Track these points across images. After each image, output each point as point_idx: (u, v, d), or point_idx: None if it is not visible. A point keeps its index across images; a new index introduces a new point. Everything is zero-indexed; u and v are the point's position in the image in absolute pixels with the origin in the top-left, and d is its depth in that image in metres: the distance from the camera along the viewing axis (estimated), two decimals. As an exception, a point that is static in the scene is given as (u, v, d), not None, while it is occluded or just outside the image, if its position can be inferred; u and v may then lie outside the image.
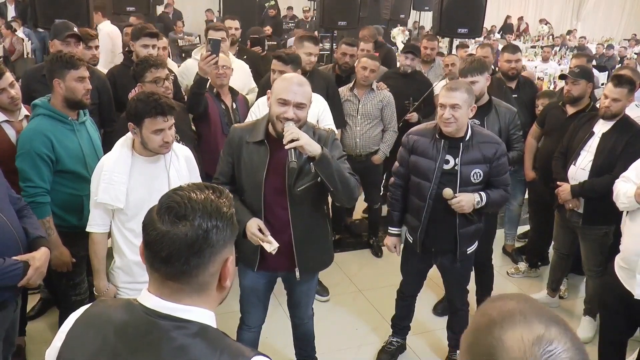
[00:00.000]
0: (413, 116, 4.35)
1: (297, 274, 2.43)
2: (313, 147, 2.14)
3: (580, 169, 3.23)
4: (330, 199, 2.50)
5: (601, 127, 3.20)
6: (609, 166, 3.09)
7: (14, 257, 2.02)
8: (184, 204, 1.03)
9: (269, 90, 2.32)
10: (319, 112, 3.28)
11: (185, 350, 1.01)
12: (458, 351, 3.02)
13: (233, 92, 3.49)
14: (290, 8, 13.08)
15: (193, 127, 3.58)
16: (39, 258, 2.10)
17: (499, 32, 14.85)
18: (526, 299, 0.89)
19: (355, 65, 4.17)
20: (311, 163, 2.19)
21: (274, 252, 2.27)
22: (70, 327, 1.12)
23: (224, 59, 3.41)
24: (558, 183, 3.34)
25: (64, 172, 2.53)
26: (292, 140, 2.09)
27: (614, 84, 3.11)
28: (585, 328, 3.38)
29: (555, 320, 0.85)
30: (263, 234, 2.28)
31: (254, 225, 2.27)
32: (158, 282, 1.07)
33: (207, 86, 3.25)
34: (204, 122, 3.33)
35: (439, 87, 4.59)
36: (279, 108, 2.20)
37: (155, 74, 2.85)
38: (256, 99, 3.58)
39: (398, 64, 4.85)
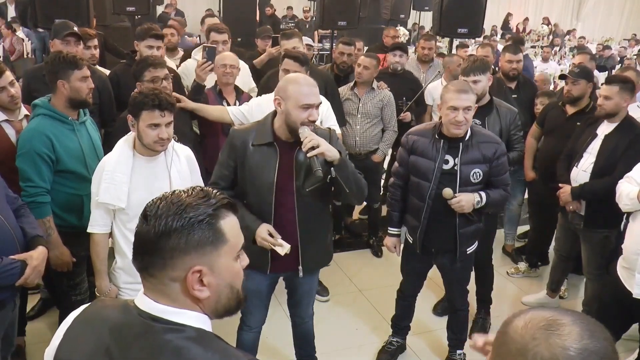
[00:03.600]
0: (407, 116, 4.36)
1: (301, 272, 2.43)
2: (332, 153, 2.16)
3: (581, 171, 3.21)
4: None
5: (604, 129, 3.18)
6: (609, 168, 3.07)
7: (12, 257, 2.01)
8: (154, 205, 1.06)
9: (276, 97, 2.26)
10: (322, 112, 3.28)
11: (179, 354, 1.00)
12: (458, 351, 3.06)
13: (238, 91, 3.51)
14: (290, 8, 13.09)
15: (195, 129, 3.60)
16: (37, 257, 2.10)
17: (501, 29, 14.88)
18: (596, 322, 0.88)
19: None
20: (331, 168, 2.20)
21: (287, 253, 2.29)
22: (68, 326, 1.13)
23: (232, 57, 3.45)
24: (560, 185, 3.34)
25: (64, 172, 2.53)
26: (313, 148, 2.10)
27: (606, 82, 3.17)
28: None
29: (587, 329, 0.82)
30: (274, 238, 2.28)
31: (263, 231, 2.27)
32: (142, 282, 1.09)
33: (213, 88, 3.31)
34: (205, 119, 3.35)
35: (433, 85, 4.60)
36: (304, 113, 2.19)
37: (154, 73, 2.85)
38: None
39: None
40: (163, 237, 1.02)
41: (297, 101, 2.18)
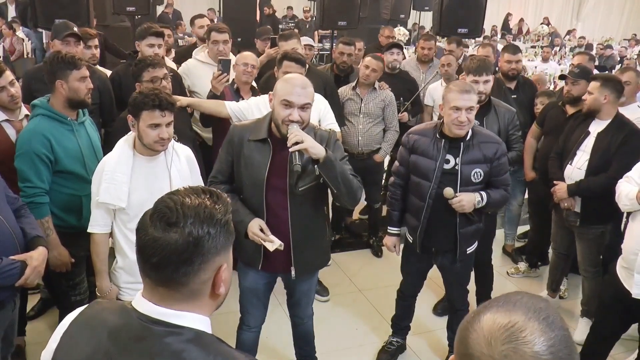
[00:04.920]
0: (404, 116, 4.36)
1: (293, 273, 2.43)
2: (317, 150, 2.15)
3: (576, 169, 3.23)
4: (330, 199, 2.50)
5: (596, 127, 3.20)
6: (604, 165, 3.10)
7: (11, 257, 2.01)
8: (176, 209, 1.01)
9: (270, 92, 2.32)
10: (320, 111, 3.29)
11: (179, 357, 0.99)
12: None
13: (254, 91, 3.53)
14: (290, 8, 13.09)
15: (196, 129, 3.60)
16: (37, 258, 2.09)
17: (501, 29, 14.89)
18: (536, 298, 0.88)
19: (359, 64, 4.19)
20: (315, 166, 2.19)
21: (280, 248, 2.28)
22: (65, 328, 1.12)
23: (253, 57, 3.48)
24: (554, 182, 3.34)
25: (63, 173, 2.53)
26: (296, 143, 2.10)
27: (590, 79, 3.24)
28: (582, 330, 3.32)
29: (544, 321, 0.82)
30: (264, 233, 2.28)
31: (255, 226, 2.28)
32: (150, 287, 1.06)
33: (230, 86, 3.39)
34: (217, 126, 3.37)
35: (433, 86, 4.60)
36: (284, 111, 2.20)
37: (153, 74, 2.85)
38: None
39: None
40: (199, 243, 1.01)
41: (279, 96, 2.22)
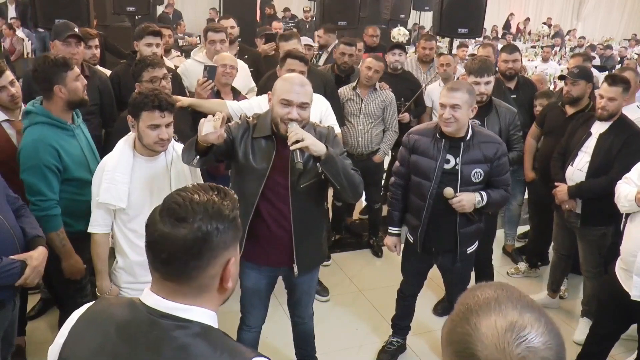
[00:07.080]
0: (405, 117, 4.36)
1: (296, 270, 2.43)
2: (318, 147, 2.16)
3: (577, 170, 3.22)
4: (329, 197, 2.50)
5: (598, 128, 3.19)
6: (606, 167, 3.09)
7: (11, 257, 2.01)
8: (185, 205, 1.03)
9: (269, 92, 2.34)
10: (322, 112, 3.29)
11: (186, 350, 1.01)
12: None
13: (235, 92, 3.50)
14: (287, 9, 13.08)
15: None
16: (37, 257, 2.09)
17: (502, 29, 14.90)
18: (503, 287, 0.91)
19: (359, 65, 4.19)
20: (317, 163, 2.20)
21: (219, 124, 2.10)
22: (72, 324, 1.13)
23: (231, 58, 3.45)
24: (556, 184, 3.34)
25: (71, 180, 2.48)
26: (297, 141, 2.11)
27: (609, 83, 3.11)
28: (582, 330, 3.31)
29: (530, 307, 0.86)
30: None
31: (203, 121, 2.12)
32: (159, 281, 1.07)
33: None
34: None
35: (432, 87, 4.61)
36: (283, 109, 2.21)
37: (152, 73, 2.85)
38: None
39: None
40: (208, 238, 1.03)
41: (278, 95, 2.23)
